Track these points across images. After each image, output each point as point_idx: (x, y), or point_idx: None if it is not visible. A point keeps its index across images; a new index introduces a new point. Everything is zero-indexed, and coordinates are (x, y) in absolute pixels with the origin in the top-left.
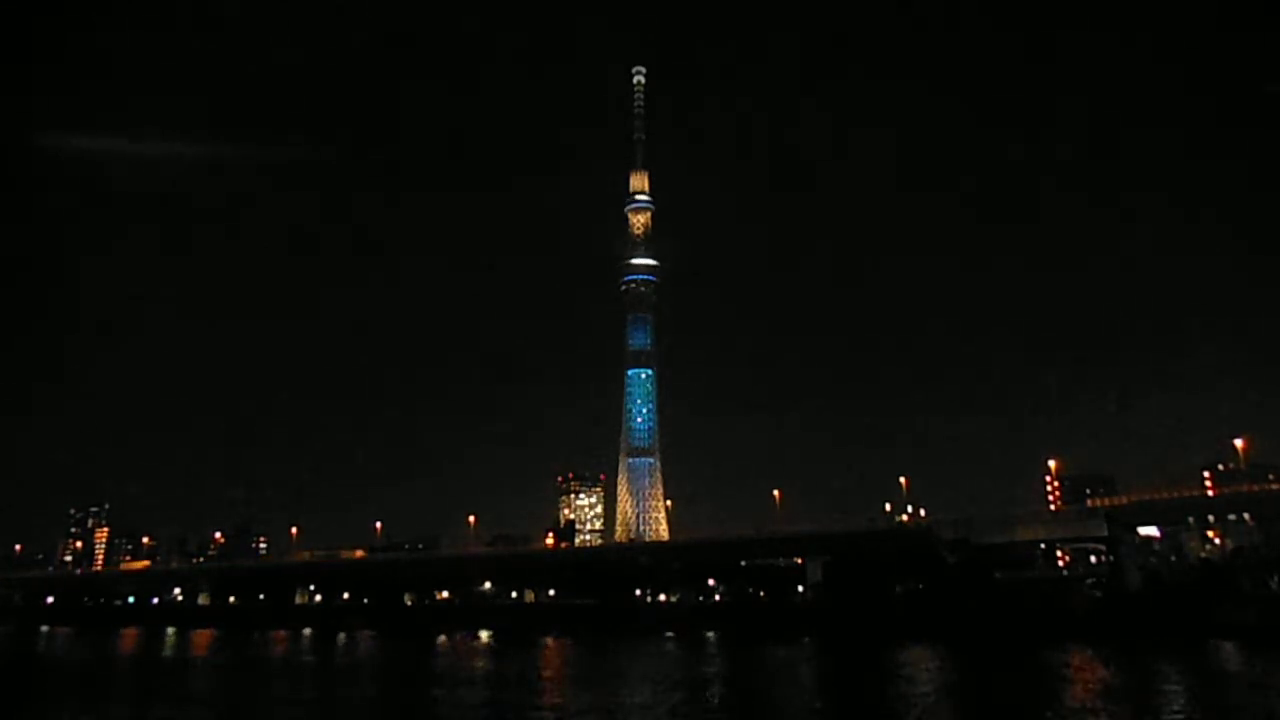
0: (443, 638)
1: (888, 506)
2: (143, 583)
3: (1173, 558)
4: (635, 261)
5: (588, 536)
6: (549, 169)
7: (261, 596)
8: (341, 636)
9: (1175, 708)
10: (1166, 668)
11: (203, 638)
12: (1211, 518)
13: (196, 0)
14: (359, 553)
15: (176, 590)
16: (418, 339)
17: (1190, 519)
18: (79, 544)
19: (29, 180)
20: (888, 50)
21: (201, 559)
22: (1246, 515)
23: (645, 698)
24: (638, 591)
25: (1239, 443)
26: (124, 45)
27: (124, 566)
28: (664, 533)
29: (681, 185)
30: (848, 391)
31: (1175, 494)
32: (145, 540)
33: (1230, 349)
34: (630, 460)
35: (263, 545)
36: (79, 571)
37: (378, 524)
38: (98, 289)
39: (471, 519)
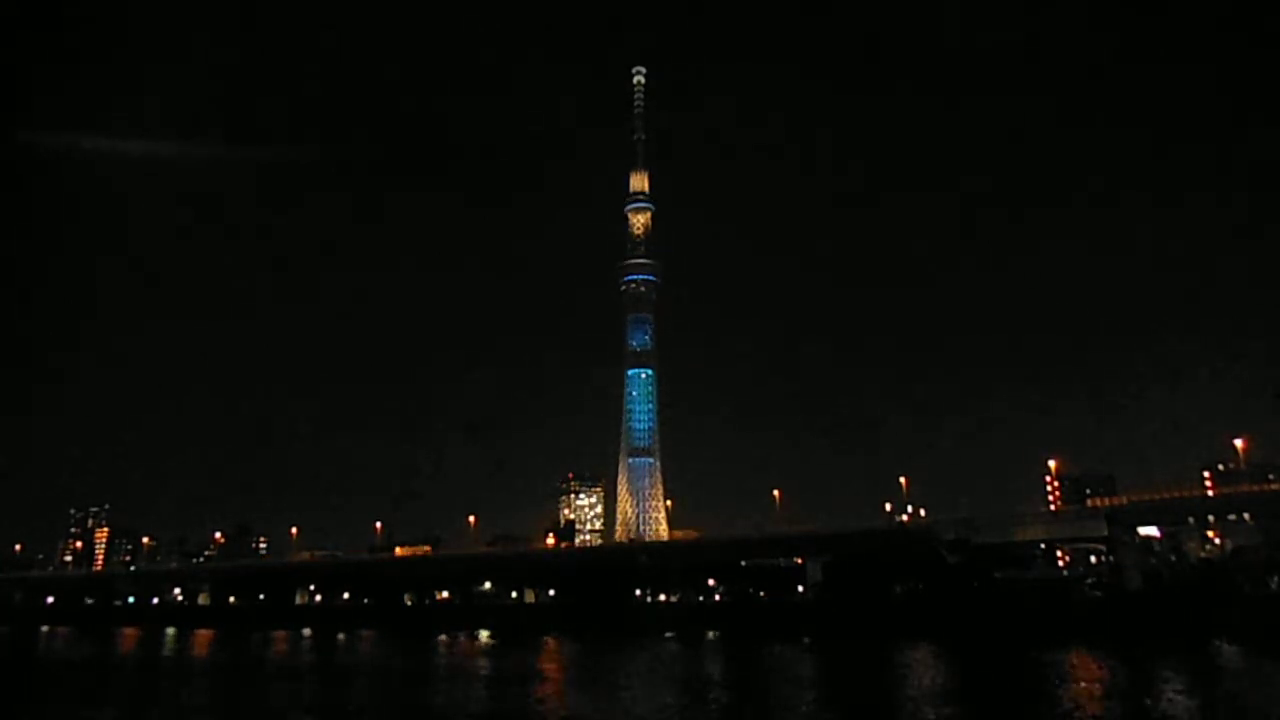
0: (443, 638)
1: (888, 506)
2: (143, 583)
3: (1173, 558)
4: (635, 261)
5: (588, 536)
6: (548, 169)
7: (261, 596)
8: (342, 636)
9: (1175, 708)
10: (1166, 668)
11: (203, 638)
12: (1211, 518)
13: (198, 2)
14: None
15: (176, 590)
16: (417, 339)
17: (1190, 519)
18: (79, 544)
19: (28, 180)
20: (888, 52)
21: (201, 559)
22: (1246, 515)
23: (645, 697)
24: (638, 591)
25: (1239, 443)
26: (124, 45)
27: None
28: (664, 533)
29: (681, 185)
30: (848, 391)
31: (1175, 494)
32: (145, 540)
33: (1231, 349)
34: (630, 460)
35: (263, 545)
36: (90, 571)
37: (378, 524)
38: (97, 289)
39: (471, 519)
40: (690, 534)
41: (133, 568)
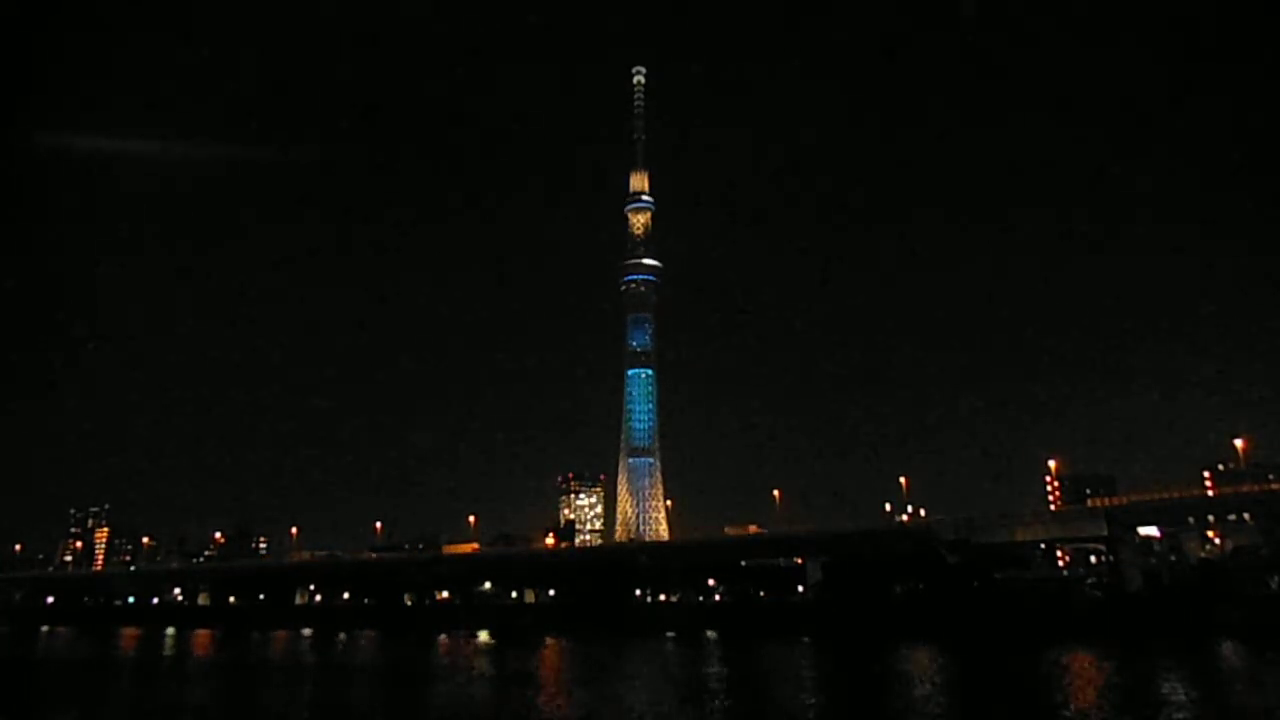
0: (443, 638)
1: (888, 506)
2: (143, 583)
3: (1173, 558)
4: (635, 261)
5: (588, 536)
6: (548, 169)
7: (261, 596)
8: (342, 636)
9: (1175, 708)
10: (1166, 668)
11: (202, 638)
12: (1211, 518)
13: (201, 3)
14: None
15: (176, 590)
16: (417, 339)
17: (1190, 519)
18: (79, 544)
19: (29, 181)
20: (887, 51)
21: (201, 559)
22: (1246, 515)
23: (645, 697)
24: (638, 591)
25: (1239, 443)
26: (125, 46)
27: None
28: (664, 533)
29: (681, 185)
30: (848, 391)
31: (1175, 494)
32: (145, 540)
33: (1231, 349)
34: (630, 460)
35: (263, 545)
36: (90, 571)
37: (377, 524)
38: (98, 289)
39: (471, 519)
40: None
41: (133, 568)
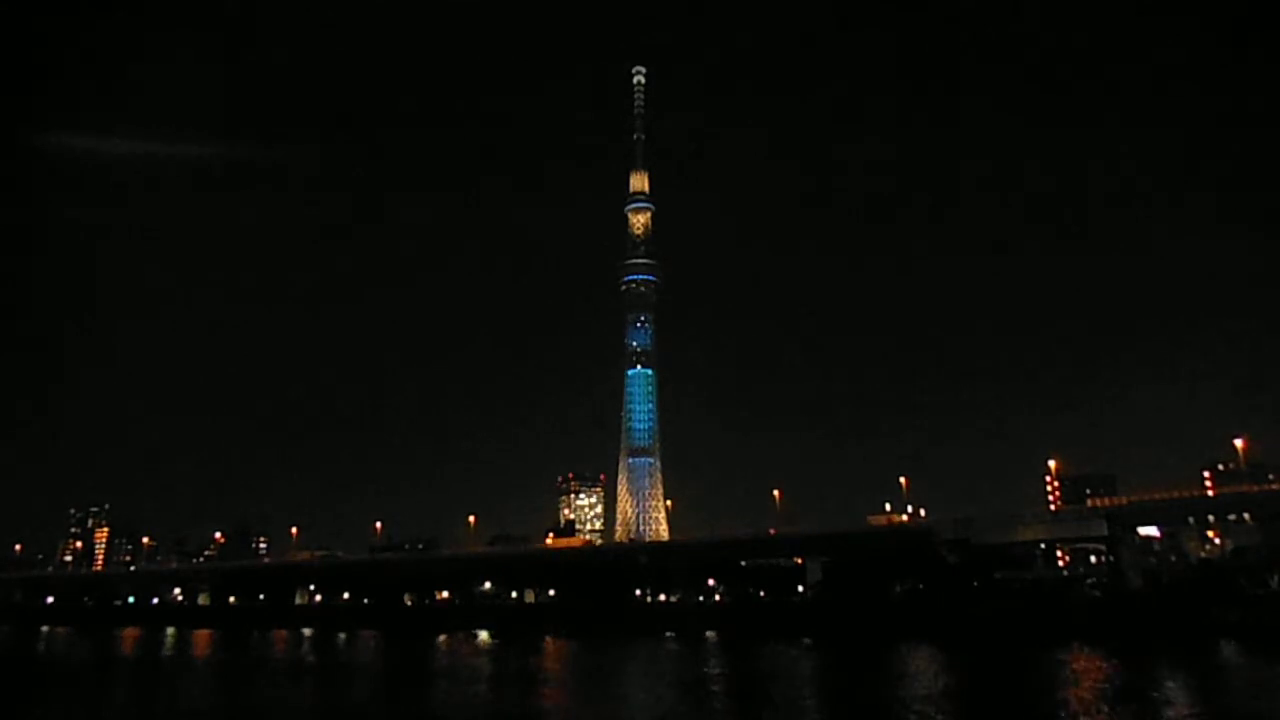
0: (443, 638)
1: (888, 506)
2: (143, 583)
3: (1173, 558)
4: (635, 261)
5: (588, 536)
6: (548, 169)
7: (261, 596)
8: (342, 636)
9: (1175, 708)
10: (1166, 668)
11: (203, 638)
12: (1211, 518)
13: (201, 4)
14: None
15: (176, 590)
16: (418, 339)
17: (1190, 519)
18: (79, 544)
19: (30, 180)
20: (885, 52)
21: (201, 559)
22: (1246, 515)
23: (645, 697)
24: (638, 591)
25: (1239, 443)
26: (127, 46)
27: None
28: (664, 533)
29: (681, 185)
30: (848, 391)
31: (1175, 494)
32: (145, 540)
33: (1231, 348)
34: (630, 460)
35: (263, 545)
36: (90, 571)
37: (378, 524)
38: (98, 289)
39: (471, 519)
40: (690, 534)
41: (133, 568)
